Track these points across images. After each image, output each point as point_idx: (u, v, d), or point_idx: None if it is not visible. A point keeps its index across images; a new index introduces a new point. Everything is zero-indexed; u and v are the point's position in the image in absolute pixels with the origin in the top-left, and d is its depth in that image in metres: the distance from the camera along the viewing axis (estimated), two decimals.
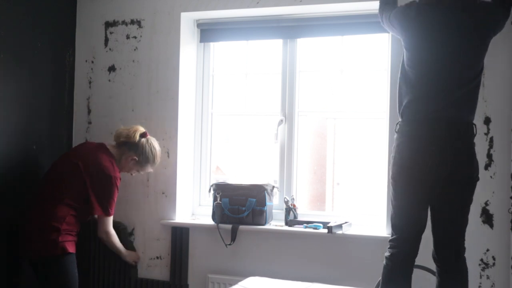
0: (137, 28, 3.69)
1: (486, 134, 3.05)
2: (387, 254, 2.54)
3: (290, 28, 3.53)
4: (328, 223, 3.19)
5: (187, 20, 3.67)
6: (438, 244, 2.52)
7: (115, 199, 3.12)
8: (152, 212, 3.61)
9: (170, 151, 3.58)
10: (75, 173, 3.02)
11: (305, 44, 3.62)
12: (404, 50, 2.56)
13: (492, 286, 3.02)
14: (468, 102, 2.45)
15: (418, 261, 2.75)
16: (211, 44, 3.78)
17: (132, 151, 3.20)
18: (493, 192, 3.02)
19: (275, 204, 3.53)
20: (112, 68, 3.74)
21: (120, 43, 3.73)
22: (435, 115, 2.41)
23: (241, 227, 3.37)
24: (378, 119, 3.53)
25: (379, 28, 2.96)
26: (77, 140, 3.76)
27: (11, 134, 3.27)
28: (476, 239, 3.02)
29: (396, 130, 2.52)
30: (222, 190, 3.44)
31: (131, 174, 3.35)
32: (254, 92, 3.78)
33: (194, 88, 3.75)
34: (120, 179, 3.15)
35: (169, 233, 3.57)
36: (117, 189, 3.12)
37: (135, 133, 3.19)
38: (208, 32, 3.70)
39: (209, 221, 3.48)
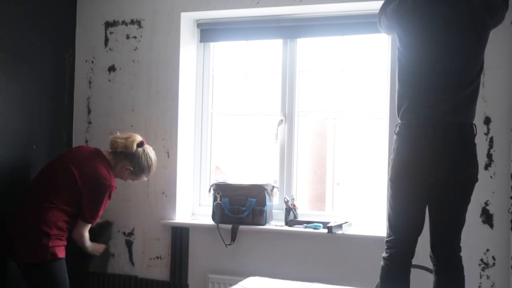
0: (137, 28, 3.69)
1: (486, 134, 3.05)
2: (384, 254, 2.54)
3: (290, 28, 3.53)
4: (328, 223, 3.19)
5: (187, 20, 3.67)
6: (435, 243, 2.52)
7: (104, 208, 3.04)
8: (152, 212, 3.61)
9: (170, 151, 3.58)
10: (70, 179, 2.93)
11: (305, 44, 3.62)
12: (402, 50, 2.51)
13: (492, 286, 3.02)
14: (468, 105, 2.43)
15: (416, 260, 2.76)
16: (211, 44, 3.78)
17: (128, 161, 3.09)
18: (493, 192, 3.02)
19: (275, 204, 3.54)
20: (112, 68, 3.74)
21: (120, 43, 3.73)
22: (435, 118, 2.40)
23: (241, 227, 3.37)
24: (378, 119, 3.53)
25: None
26: (77, 140, 3.77)
27: (11, 134, 3.26)
28: (476, 239, 3.02)
29: (396, 132, 2.51)
30: (222, 190, 3.44)
31: (125, 181, 3.26)
32: (254, 92, 3.78)
33: (194, 88, 3.75)
34: (115, 188, 3.05)
35: (169, 233, 3.58)
36: (109, 199, 3.03)
37: (132, 144, 3.08)
38: (208, 32, 3.70)
39: (209, 221, 3.48)
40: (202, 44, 3.77)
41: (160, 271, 3.59)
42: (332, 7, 3.37)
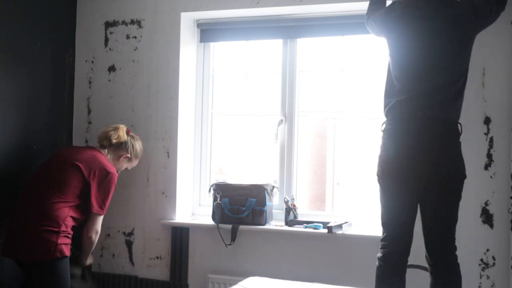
0: (137, 28, 3.69)
1: (486, 134, 3.05)
2: (379, 255, 2.54)
3: (290, 28, 3.53)
4: (328, 223, 3.19)
5: (187, 20, 3.67)
6: (427, 241, 2.53)
7: (111, 198, 3.09)
8: (152, 212, 3.61)
9: (170, 151, 3.58)
10: (75, 173, 2.96)
11: (305, 44, 3.62)
12: (389, 51, 2.59)
13: (492, 286, 3.02)
14: (453, 102, 2.47)
15: (415, 260, 2.76)
16: (211, 44, 3.78)
17: (124, 150, 3.23)
18: (493, 192, 3.02)
19: (275, 204, 3.54)
20: (112, 68, 3.74)
21: (120, 43, 3.73)
22: (419, 114, 2.44)
23: (241, 227, 3.37)
24: (378, 119, 3.51)
25: None
26: (77, 140, 3.77)
27: (11, 134, 3.27)
28: (476, 239, 3.02)
29: (382, 130, 2.56)
30: (222, 190, 3.44)
31: (121, 170, 3.32)
32: (254, 92, 3.78)
33: (194, 88, 3.75)
34: (117, 176, 3.15)
35: (169, 233, 3.58)
36: (114, 187, 3.10)
37: (123, 132, 3.24)
38: (208, 32, 3.70)
39: (209, 221, 3.48)
40: (202, 44, 3.76)
41: (160, 271, 3.60)
42: (332, 7, 3.37)
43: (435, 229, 2.50)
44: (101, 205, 3.05)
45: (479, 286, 3.03)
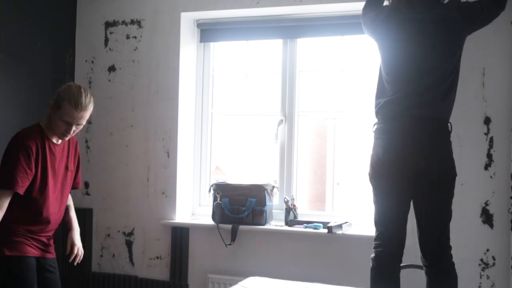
0: (137, 28, 3.69)
1: (486, 134, 3.05)
2: (372, 255, 2.54)
3: (290, 28, 3.53)
4: (328, 223, 3.19)
5: (187, 20, 3.67)
6: (421, 241, 2.52)
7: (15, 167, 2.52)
8: (152, 212, 3.61)
9: (170, 151, 3.58)
10: None
11: (305, 44, 3.62)
12: (380, 54, 2.61)
13: (492, 286, 3.02)
14: (442, 101, 2.46)
15: (413, 260, 2.75)
16: (211, 44, 3.78)
17: (52, 101, 2.60)
18: (493, 192, 3.02)
19: (275, 204, 3.54)
20: (112, 68, 3.74)
21: (120, 43, 3.73)
22: (407, 113, 2.45)
23: (241, 227, 3.37)
24: (374, 118, 3.52)
25: None
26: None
27: (11, 134, 3.26)
28: (476, 239, 3.02)
29: (373, 130, 2.58)
30: (222, 190, 3.44)
31: (65, 136, 2.60)
32: (254, 92, 3.78)
33: (194, 88, 3.75)
34: (28, 147, 2.55)
35: (169, 233, 3.58)
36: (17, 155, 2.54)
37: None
38: (208, 32, 3.70)
39: (209, 221, 3.48)
40: (202, 44, 3.77)
41: (160, 271, 3.60)
42: (332, 7, 3.37)
43: (427, 228, 2.50)
44: None
45: (479, 286, 3.03)
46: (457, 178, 2.50)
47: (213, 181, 3.73)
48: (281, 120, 3.58)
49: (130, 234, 3.66)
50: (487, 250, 3.03)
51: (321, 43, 3.71)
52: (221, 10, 3.54)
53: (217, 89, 3.83)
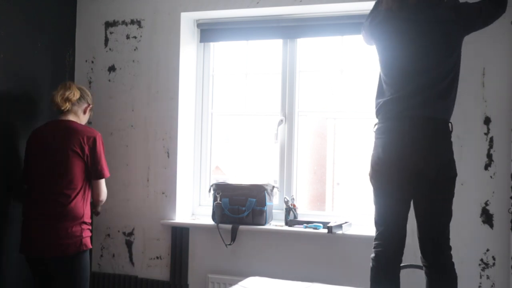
0: (137, 28, 3.69)
1: (486, 134, 3.05)
2: (372, 255, 2.55)
3: (290, 28, 3.53)
4: (328, 223, 3.19)
5: (187, 20, 3.67)
6: (420, 241, 2.53)
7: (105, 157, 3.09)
8: (152, 212, 3.61)
9: (170, 151, 3.58)
10: (74, 157, 2.93)
11: (305, 44, 3.62)
12: (378, 57, 2.63)
13: (492, 286, 3.02)
14: (441, 101, 2.46)
15: (413, 260, 2.75)
16: (211, 44, 3.78)
17: (85, 102, 3.12)
18: (493, 192, 3.02)
19: (275, 204, 3.54)
20: (112, 68, 3.74)
21: (120, 43, 3.73)
22: (406, 113, 2.45)
23: (241, 227, 3.37)
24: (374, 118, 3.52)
25: None
26: None
27: (11, 134, 3.26)
28: (476, 239, 3.02)
29: (374, 130, 2.59)
30: (222, 190, 3.44)
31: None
32: (254, 92, 3.78)
33: (194, 88, 3.75)
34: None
35: (169, 233, 3.58)
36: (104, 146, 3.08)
37: (75, 87, 3.08)
38: (208, 32, 3.71)
39: (209, 221, 3.48)
40: (202, 44, 3.77)
41: (160, 271, 3.60)
42: (332, 7, 3.37)
43: (427, 228, 2.50)
44: (104, 169, 3.05)
45: (479, 286, 3.03)
46: (457, 178, 2.50)
47: (213, 181, 3.73)
48: (281, 120, 3.58)
49: (130, 234, 3.66)
50: (487, 250, 3.03)
51: (321, 43, 3.71)
52: (221, 10, 3.54)
53: (217, 89, 3.83)
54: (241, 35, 3.66)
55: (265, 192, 3.37)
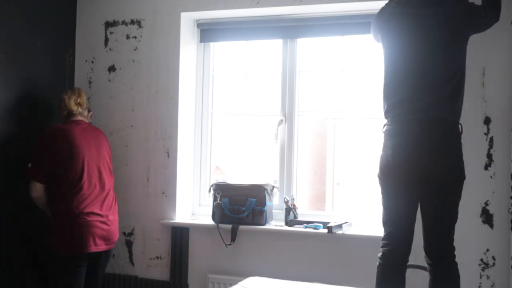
0: (137, 28, 3.69)
1: (486, 134, 3.05)
2: (379, 254, 2.55)
3: (290, 28, 3.53)
4: (328, 223, 3.19)
5: (187, 20, 3.67)
6: (425, 241, 2.53)
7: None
8: (152, 212, 3.61)
9: (170, 151, 3.58)
10: (108, 157, 3.29)
11: (305, 44, 3.62)
12: (384, 55, 2.61)
13: (492, 286, 3.02)
14: (449, 102, 2.45)
15: (415, 261, 2.76)
16: (211, 44, 3.78)
17: (87, 107, 3.36)
18: (493, 192, 3.02)
19: (275, 204, 3.53)
20: (112, 68, 3.74)
21: (120, 43, 3.73)
22: (415, 116, 2.45)
23: (241, 227, 3.37)
24: (378, 119, 3.52)
25: None
26: None
27: (11, 134, 3.27)
28: (476, 239, 3.02)
29: (383, 131, 2.58)
30: (222, 190, 3.44)
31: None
32: (254, 92, 3.78)
33: (194, 88, 3.75)
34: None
35: (169, 233, 3.57)
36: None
37: (84, 95, 3.31)
38: (208, 32, 3.70)
39: (209, 221, 3.48)
40: (202, 44, 3.77)
41: (160, 271, 3.60)
42: (332, 7, 3.37)
43: (433, 229, 2.50)
44: None
45: (479, 286, 3.03)
46: None
47: (213, 181, 3.73)
48: (281, 120, 3.58)
49: (130, 234, 3.66)
50: (487, 250, 3.03)
51: (321, 43, 3.71)
52: (221, 10, 3.54)
53: (217, 89, 3.83)
54: (241, 35, 3.66)
55: (265, 192, 3.37)
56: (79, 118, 3.23)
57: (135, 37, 3.70)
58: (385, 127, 2.57)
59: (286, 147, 3.58)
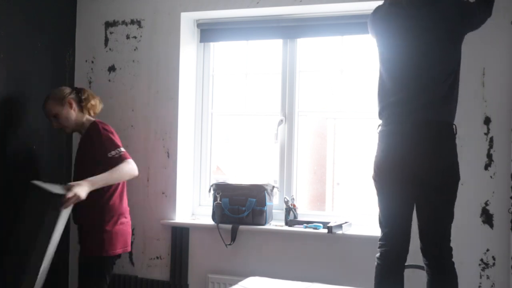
0: (137, 28, 3.69)
1: (486, 134, 3.05)
2: (377, 254, 2.55)
3: (290, 28, 3.53)
4: (328, 223, 3.19)
5: (187, 20, 3.67)
6: (422, 241, 2.53)
7: None
8: (152, 212, 3.61)
9: (170, 151, 3.58)
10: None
11: (305, 44, 3.62)
12: (378, 55, 2.60)
13: (492, 286, 3.02)
14: (443, 103, 2.44)
15: (414, 261, 2.76)
16: (211, 44, 3.78)
17: None
18: (493, 192, 3.02)
19: (275, 204, 3.54)
20: (112, 68, 3.74)
21: (120, 43, 3.73)
22: (409, 117, 2.44)
23: (241, 227, 3.37)
24: (377, 119, 3.52)
25: None
26: (76, 141, 3.75)
27: (11, 135, 3.27)
28: (476, 239, 3.02)
29: (377, 131, 2.58)
30: (222, 190, 3.44)
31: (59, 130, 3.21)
32: (254, 92, 3.78)
33: (194, 88, 3.75)
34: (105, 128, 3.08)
35: (169, 233, 3.58)
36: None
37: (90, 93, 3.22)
38: (208, 32, 3.71)
39: (209, 221, 3.48)
40: (202, 44, 3.77)
41: (160, 271, 3.60)
42: (332, 7, 3.37)
43: (429, 230, 2.50)
44: None
45: (479, 286, 3.03)
46: None
47: (213, 181, 3.73)
48: (281, 120, 3.58)
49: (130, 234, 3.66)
50: (487, 250, 3.03)
51: (321, 43, 3.71)
52: (221, 10, 3.54)
53: (217, 89, 3.83)
54: (241, 35, 3.66)
55: (265, 192, 3.37)
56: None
57: (135, 37, 3.70)
58: (379, 127, 2.56)
59: (286, 147, 3.58)
